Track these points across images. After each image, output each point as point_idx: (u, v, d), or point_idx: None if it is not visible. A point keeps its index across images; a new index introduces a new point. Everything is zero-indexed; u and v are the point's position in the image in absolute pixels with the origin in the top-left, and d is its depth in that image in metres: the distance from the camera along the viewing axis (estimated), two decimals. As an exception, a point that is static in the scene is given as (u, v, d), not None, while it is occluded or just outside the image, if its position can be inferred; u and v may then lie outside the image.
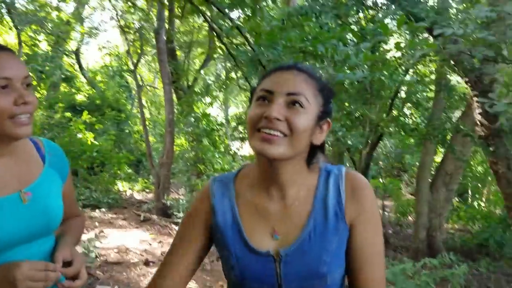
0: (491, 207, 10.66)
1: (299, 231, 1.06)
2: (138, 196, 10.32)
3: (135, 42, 10.74)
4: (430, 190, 7.36)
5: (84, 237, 5.83)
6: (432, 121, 6.77)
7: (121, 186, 10.64)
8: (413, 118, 8.21)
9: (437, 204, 7.27)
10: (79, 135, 10.27)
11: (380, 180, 11.29)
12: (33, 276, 1.10)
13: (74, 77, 14.16)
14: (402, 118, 7.37)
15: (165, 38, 8.31)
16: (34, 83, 10.41)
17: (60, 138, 9.83)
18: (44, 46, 12.39)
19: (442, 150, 8.27)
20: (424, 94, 7.86)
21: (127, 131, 12.99)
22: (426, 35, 5.34)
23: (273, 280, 1.06)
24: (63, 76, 13.10)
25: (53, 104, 11.29)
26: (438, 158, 8.98)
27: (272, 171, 1.06)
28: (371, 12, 5.91)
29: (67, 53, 13.53)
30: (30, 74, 1.23)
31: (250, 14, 3.95)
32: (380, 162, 11.84)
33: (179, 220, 7.36)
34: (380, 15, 5.43)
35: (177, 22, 10.55)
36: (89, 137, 10.38)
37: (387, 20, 5.59)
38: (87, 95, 13.28)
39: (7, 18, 9.75)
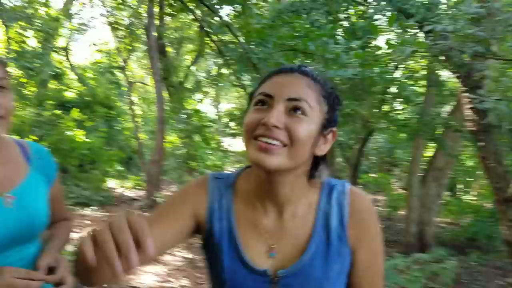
0: (481, 201, 10.77)
1: (299, 252, 0.98)
2: (129, 194, 10.26)
3: (125, 38, 10.65)
4: (421, 184, 7.41)
5: (75, 235, 5.80)
6: (423, 116, 6.81)
7: (112, 183, 10.58)
8: (403, 113, 8.24)
9: (428, 199, 7.32)
10: (69, 133, 10.18)
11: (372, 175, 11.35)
12: (14, 284, 1.08)
13: (64, 74, 14.02)
14: (393, 114, 7.39)
15: (155, 34, 8.26)
16: (24, 80, 10.31)
17: (49, 135, 9.74)
18: (33, 43, 12.24)
19: (433, 145, 8.31)
20: (415, 88, 7.89)
21: (117, 128, 12.90)
22: (416, 31, 5.35)
23: None
24: (52, 73, 12.96)
25: (43, 101, 11.17)
26: (429, 153, 9.03)
27: (269, 184, 0.97)
28: (361, 8, 5.91)
29: (56, 49, 13.39)
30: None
31: (240, 12, 3.92)
32: (372, 157, 11.91)
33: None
34: (371, 10, 5.43)
35: (167, 18, 10.48)
36: (79, 134, 10.30)
37: (377, 16, 5.60)
38: (77, 92, 13.16)
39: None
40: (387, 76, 4.55)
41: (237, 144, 12.88)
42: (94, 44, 13.70)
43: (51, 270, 1.19)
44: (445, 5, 5.11)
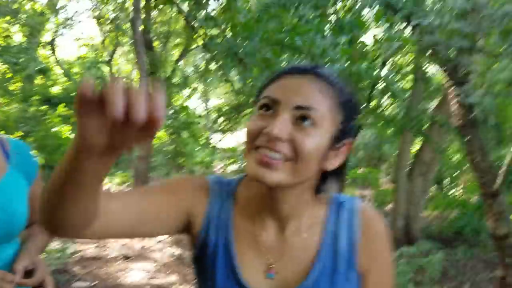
0: (467, 195, 10.88)
1: (301, 276, 0.87)
2: (117, 190, 10.19)
3: (111, 33, 10.53)
4: (408, 179, 7.46)
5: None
6: (410, 111, 6.85)
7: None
8: (391, 109, 8.29)
9: (414, 193, 7.38)
10: (55, 129, 10.05)
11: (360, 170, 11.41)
12: None
13: (50, 69, 13.83)
14: (380, 109, 7.42)
15: (141, 28, 8.16)
16: (10, 75, 10.16)
17: (35, 132, 9.61)
18: (18, 37, 12.06)
19: (420, 139, 8.38)
20: (402, 83, 7.93)
21: (104, 123, 12.75)
22: (403, 25, 5.37)
23: None
24: (38, 68, 12.79)
25: (28, 97, 11.01)
26: (416, 148, 9.10)
27: (270, 199, 0.87)
28: (349, 2, 5.90)
29: (42, 44, 13.21)
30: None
31: (226, 5, 3.89)
32: (360, 152, 11.97)
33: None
34: (358, 5, 5.42)
35: (154, 12, 10.38)
36: (66, 130, 10.17)
37: (365, 10, 5.60)
38: (63, 87, 13.00)
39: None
40: (374, 72, 4.58)
41: (226, 141, 12.85)
42: (80, 39, 13.52)
43: (29, 273, 1.15)
44: (432, 0, 5.14)
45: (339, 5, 5.91)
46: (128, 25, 8.99)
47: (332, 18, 5.44)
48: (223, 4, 4.02)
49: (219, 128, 11.76)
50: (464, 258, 6.73)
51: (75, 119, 0.58)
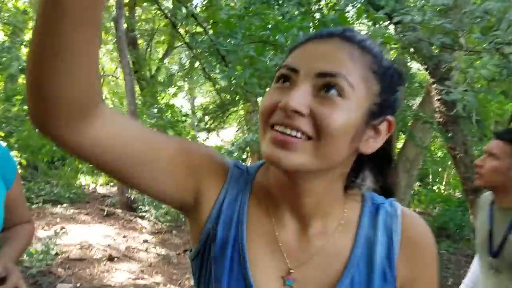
0: (451, 190, 11.02)
1: (327, 287, 0.72)
2: (101, 190, 10.09)
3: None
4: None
5: (45, 234, 5.65)
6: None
7: (84, 180, 10.37)
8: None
9: (398, 189, 7.44)
10: (38, 129, 9.91)
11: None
12: None
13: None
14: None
15: (124, 26, 8.09)
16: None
17: (18, 132, 9.47)
18: (0, 36, 11.87)
19: (403, 136, 8.45)
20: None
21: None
22: (387, 22, 5.41)
23: None
24: (21, 67, 12.59)
25: (11, 96, 10.85)
26: (399, 144, 9.18)
27: (290, 190, 0.72)
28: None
29: (25, 43, 13.01)
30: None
31: (208, 2, 3.86)
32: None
33: (144, 214, 7.25)
34: (342, 2, 5.44)
35: (138, 9, 10.30)
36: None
37: (348, 8, 5.62)
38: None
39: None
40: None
41: (212, 139, 12.79)
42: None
43: (1, 281, 1.10)
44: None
45: (323, 2, 5.93)
46: (112, 23, 8.89)
47: (317, 15, 5.45)
48: (205, 1, 3.99)
49: (205, 127, 11.72)
50: (448, 253, 6.82)
51: None
